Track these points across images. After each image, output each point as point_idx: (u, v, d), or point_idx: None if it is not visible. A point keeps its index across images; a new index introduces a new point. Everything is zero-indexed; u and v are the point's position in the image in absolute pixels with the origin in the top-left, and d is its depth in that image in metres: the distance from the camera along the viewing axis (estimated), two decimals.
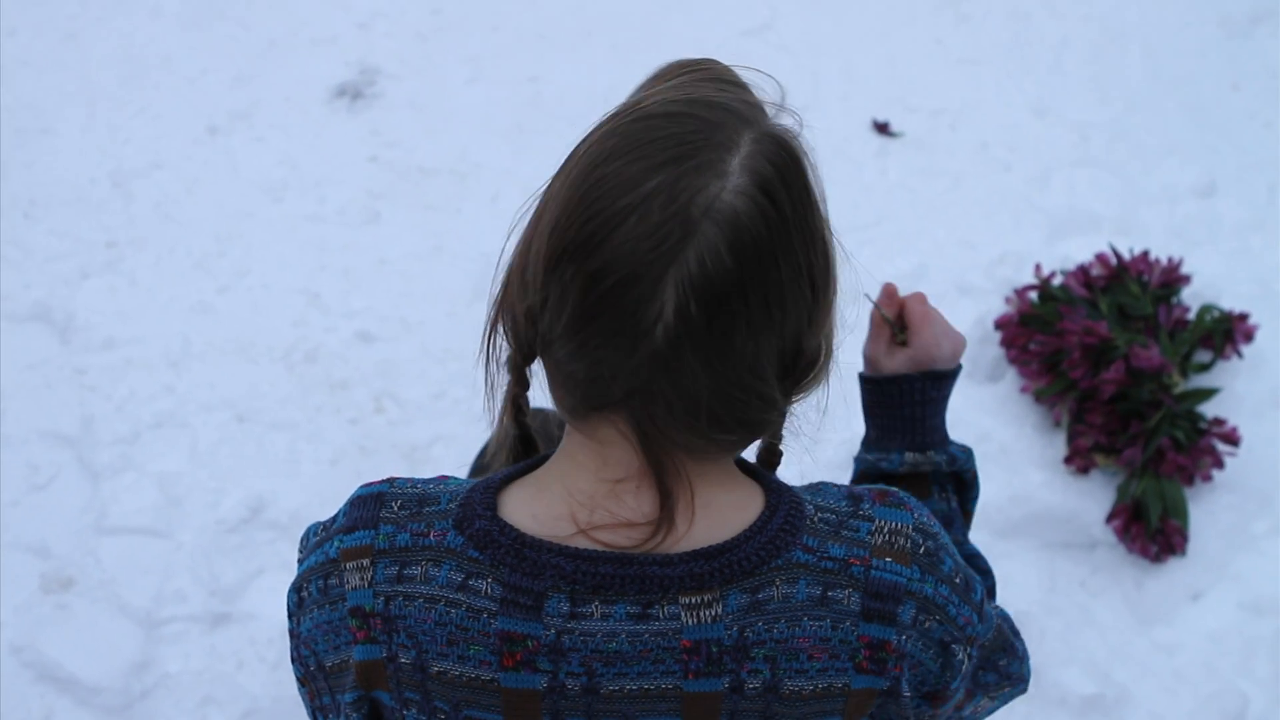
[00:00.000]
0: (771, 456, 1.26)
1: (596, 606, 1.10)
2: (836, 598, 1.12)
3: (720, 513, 1.13)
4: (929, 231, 3.33)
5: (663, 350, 1.02)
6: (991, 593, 1.42)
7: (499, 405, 1.25)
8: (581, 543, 1.10)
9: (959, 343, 1.52)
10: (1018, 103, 3.71)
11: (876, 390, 1.51)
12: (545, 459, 1.19)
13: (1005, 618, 1.35)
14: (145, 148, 3.51)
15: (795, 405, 1.17)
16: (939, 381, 1.50)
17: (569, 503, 1.12)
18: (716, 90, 1.11)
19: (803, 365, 1.12)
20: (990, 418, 2.89)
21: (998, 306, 3.08)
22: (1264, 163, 3.54)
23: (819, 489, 1.20)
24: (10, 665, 2.50)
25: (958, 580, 1.18)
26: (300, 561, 1.23)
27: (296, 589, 1.21)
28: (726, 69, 1.18)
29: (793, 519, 1.14)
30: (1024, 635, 2.52)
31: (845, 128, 3.62)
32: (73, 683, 2.48)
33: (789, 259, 1.05)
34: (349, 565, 1.15)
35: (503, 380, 1.21)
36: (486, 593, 1.11)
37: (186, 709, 2.48)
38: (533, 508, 1.13)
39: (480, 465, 1.99)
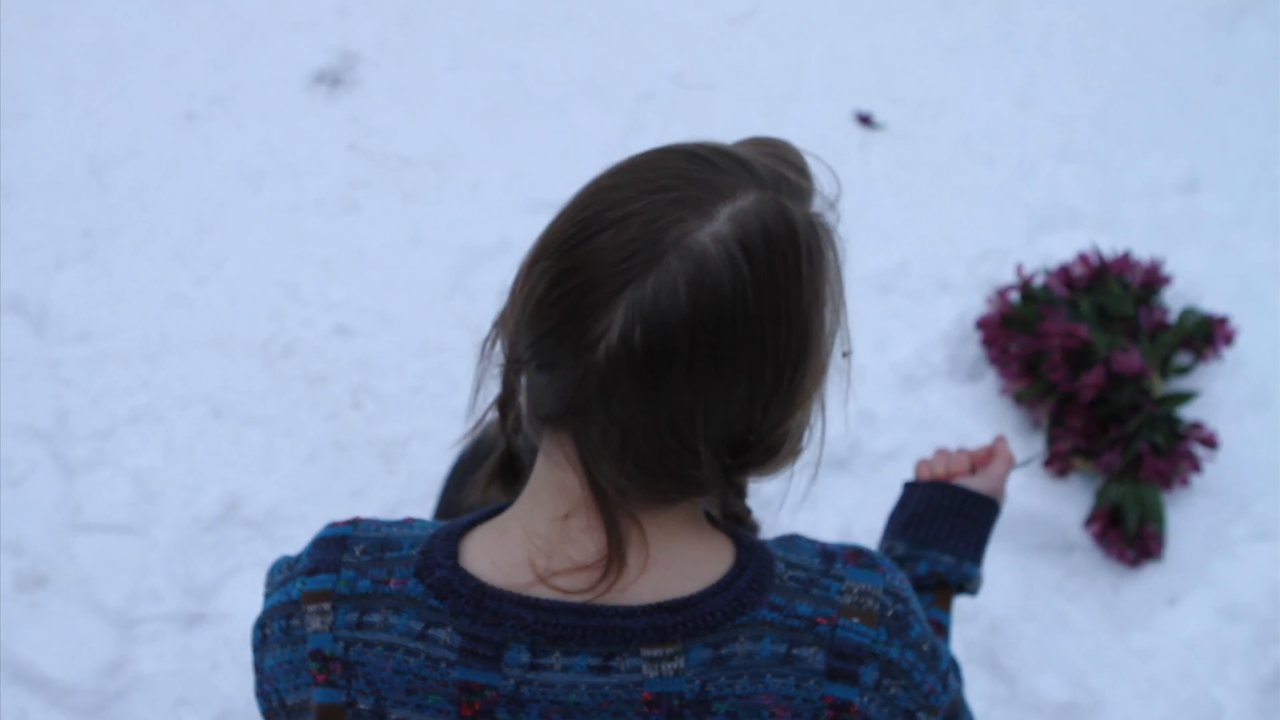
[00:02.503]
0: (741, 521, 1.25)
1: (557, 657, 1.10)
2: (801, 656, 1.12)
3: (686, 565, 1.13)
4: (911, 225, 3.32)
5: (602, 370, 1.03)
6: (956, 675, 1.43)
7: (482, 417, 1.26)
8: (542, 592, 1.10)
9: None
10: (1001, 93, 3.69)
11: (990, 510, 1.57)
12: (510, 505, 1.19)
13: (963, 696, 1.36)
14: (122, 133, 3.48)
15: (756, 481, 1.17)
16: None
17: (528, 547, 1.12)
18: (757, 154, 1.11)
19: (756, 448, 1.11)
20: (970, 418, 2.89)
21: (978, 304, 3.07)
22: (1246, 157, 3.53)
23: (792, 544, 1.19)
24: None
25: (925, 647, 1.18)
26: (266, 596, 1.23)
27: (260, 625, 1.22)
28: (793, 151, 1.17)
29: (761, 577, 1.13)
30: (1000, 640, 2.54)
31: (828, 119, 3.60)
32: (46, 683, 2.47)
33: (748, 326, 1.03)
34: (310, 608, 1.16)
35: (492, 391, 1.23)
36: (446, 642, 1.11)
37: (161, 710, 2.47)
38: (493, 554, 1.13)
39: (455, 477, 1.99)
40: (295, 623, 1.17)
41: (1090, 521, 2.67)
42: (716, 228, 1.03)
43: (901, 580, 1.19)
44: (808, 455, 1.17)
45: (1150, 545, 2.63)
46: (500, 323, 1.15)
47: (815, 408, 1.14)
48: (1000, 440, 1.65)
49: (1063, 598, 2.66)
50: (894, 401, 2.91)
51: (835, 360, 1.15)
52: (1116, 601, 2.65)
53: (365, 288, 3.14)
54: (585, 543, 1.11)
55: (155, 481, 2.76)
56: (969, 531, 1.54)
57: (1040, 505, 2.74)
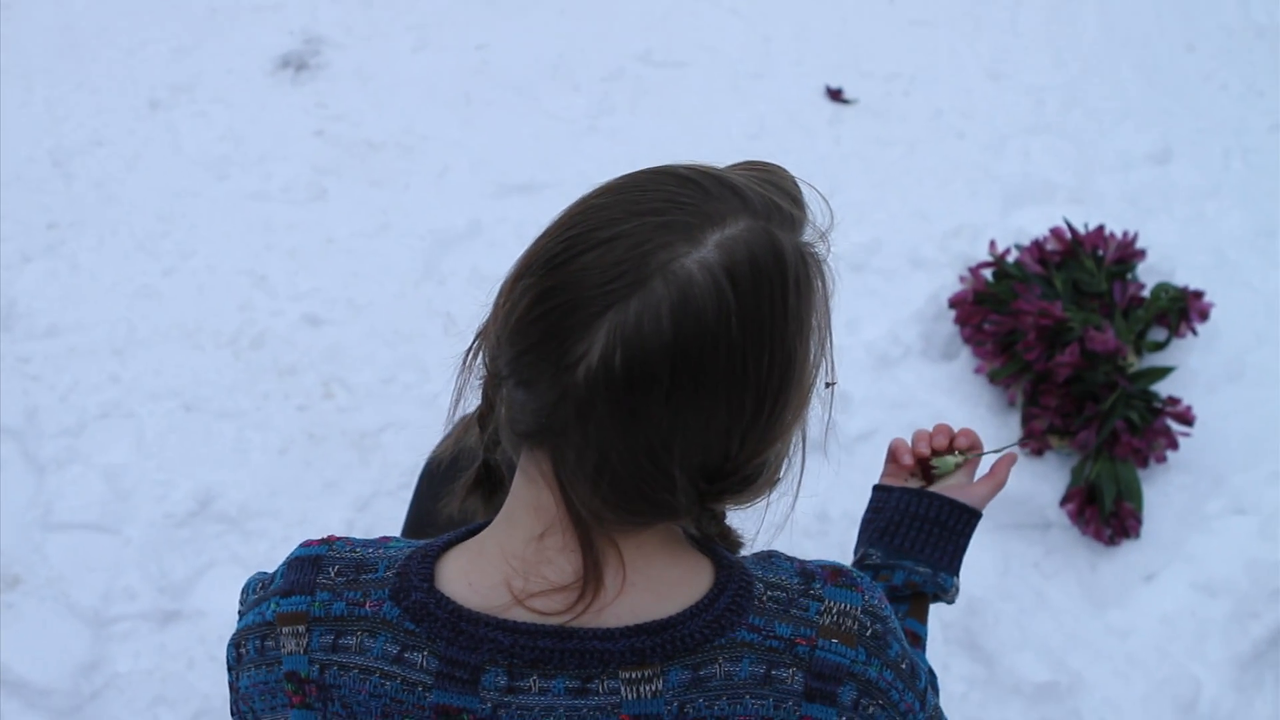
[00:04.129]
0: (725, 540, 1.24)
1: (535, 680, 1.09)
2: (780, 677, 1.11)
3: (664, 586, 1.12)
4: (883, 202, 3.31)
5: (581, 392, 1.01)
6: (932, 686, 1.42)
7: (462, 430, 1.24)
8: (519, 614, 1.09)
9: None
10: (972, 67, 3.68)
11: (966, 515, 1.53)
12: (488, 524, 1.17)
13: (939, 708, 1.35)
14: (85, 124, 3.44)
15: (732, 509, 1.16)
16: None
17: (504, 568, 1.11)
18: (748, 180, 1.08)
19: (733, 476, 1.09)
20: (944, 397, 2.88)
21: (951, 280, 3.06)
22: (1218, 126, 3.52)
23: (771, 562, 1.18)
24: None
25: (903, 665, 1.17)
26: (240, 615, 1.22)
27: (235, 644, 1.20)
28: (789, 178, 1.14)
29: (740, 598, 1.12)
30: (978, 620, 2.53)
31: (799, 95, 3.58)
32: (22, 685, 2.46)
33: (731, 354, 1.02)
34: (285, 630, 1.15)
35: (471, 401, 1.20)
36: (422, 665, 1.10)
37: (137, 709, 2.45)
38: (470, 575, 1.12)
39: (430, 485, 1.97)
40: (270, 644, 1.16)
41: (1066, 500, 2.67)
42: (704, 254, 1.01)
43: (880, 599, 1.18)
44: (786, 483, 1.16)
45: (1127, 523, 2.63)
46: (483, 333, 1.13)
47: (795, 438, 1.13)
48: (995, 474, 1.61)
49: (1040, 576, 2.66)
50: (868, 382, 2.90)
51: (818, 390, 1.13)
52: (1094, 579, 2.65)
53: (334, 276, 3.11)
54: (562, 564, 1.09)
55: (127, 478, 2.74)
56: (946, 541, 1.52)
57: (1016, 484, 2.72)
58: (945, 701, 2.46)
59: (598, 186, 1.10)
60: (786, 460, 1.14)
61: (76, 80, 3.56)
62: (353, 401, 2.88)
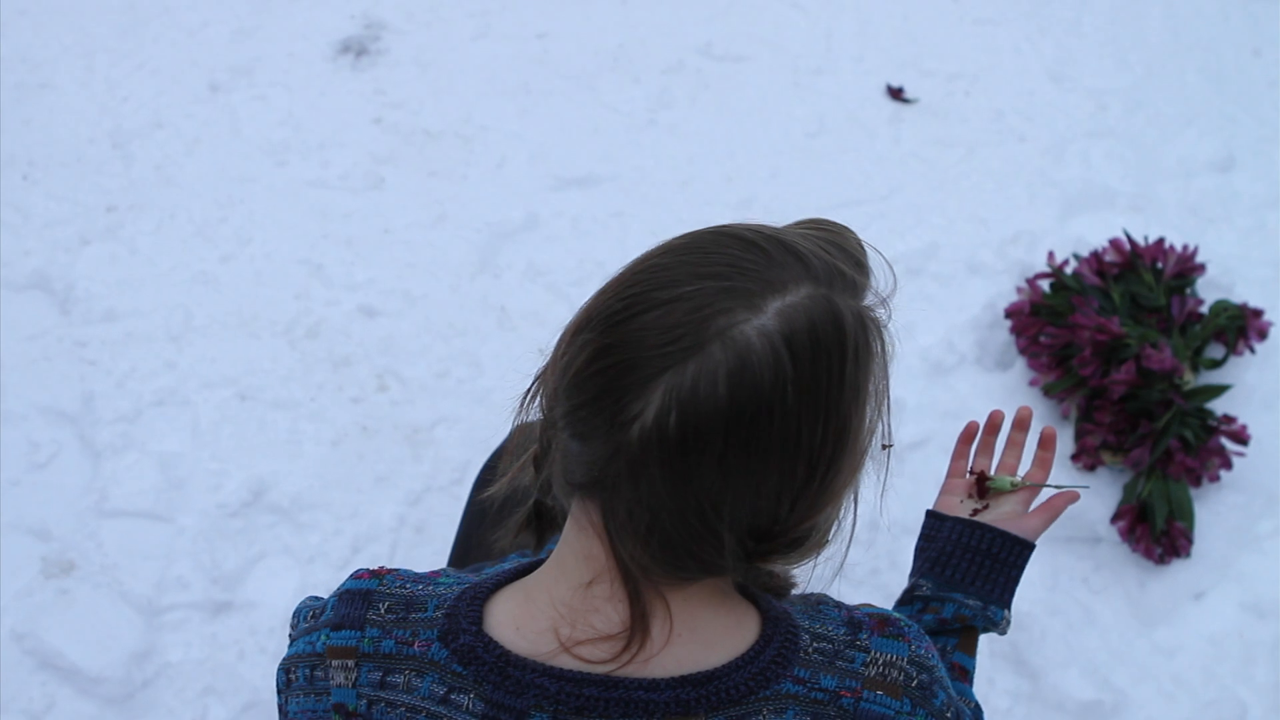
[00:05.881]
0: (775, 584, 1.24)
1: None
2: None
3: (710, 636, 1.13)
4: (941, 206, 3.29)
5: (634, 450, 1.02)
6: None
7: (516, 470, 1.27)
8: (565, 661, 1.11)
9: None
10: (1035, 68, 3.64)
11: (1019, 548, 1.53)
12: (539, 564, 1.19)
13: None
14: (145, 105, 3.46)
15: (779, 568, 1.16)
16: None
17: (552, 614, 1.12)
18: (813, 244, 1.09)
19: (781, 538, 1.10)
20: (998, 407, 2.85)
21: (1008, 288, 3.05)
22: None
23: (819, 611, 1.19)
24: (11, 653, 2.50)
25: (949, 715, 1.19)
26: (291, 640, 1.24)
27: (285, 670, 1.22)
28: (853, 240, 1.15)
29: (786, 650, 1.14)
30: (1025, 636, 2.53)
31: (859, 93, 3.56)
32: (74, 672, 2.48)
33: (785, 421, 1.02)
34: (334, 663, 1.17)
35: (529, 441, 1.23)
36: (468, 708, 1.12)
37: (187, 699, 2.48)
38: (518, 620, 1.14)
39: (484, 514, 1.97)
40: (319, 674, 1.18)
41: (1117, 517, 2.66)
42: (763, 322, 1.01)
43: (927, 648, 1.19)
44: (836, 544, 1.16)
45: (1178, 543, 2.62)
46: (541, 378, 1.14)
47: (847, 502, 1.13)
48: (1051, 504, 1.60)
49: (1089, 591, 2.65)
50: (921, 389, 2.90)
51: (874, 452, 1.13)
52: (1142, 596, 2.64)
53: (390, 267, 3.13)
54: (609, 612, 1.11)
55: (181, 467, 2.76)
56: (997, 574, 1.52)
57: None
58: (990, 716, 2.46)
59: (661, 244, 1.10)
60: (836, 523, 1.15)
61: (138, 60, 3.57)
62: (406, 395, 2.90)
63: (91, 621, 2.55)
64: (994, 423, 1.63)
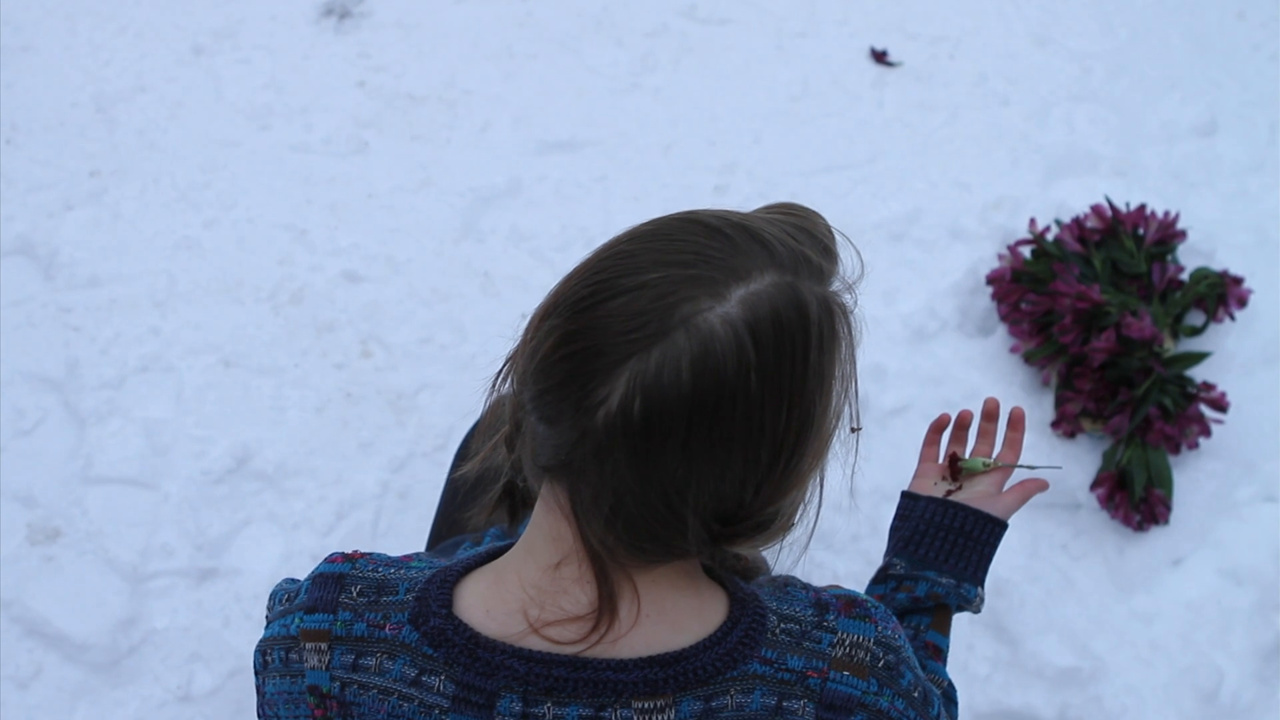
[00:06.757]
0: (744, 567, 1.26)
1: (549, 708, 1.13)
2: (791, 708, 1.15)
3: (678, 617, 1.15)
4: (924, 170, 3.29)
5: (599, 435, 1.04)
6: (950, 699, 1.44)
7: (487, 451, 1.28)
8: (534, 642, 1.13)
9: None
10: (1019, 30, 3.64)
11: (992, 526, 1.55)
12: (509, 548, 1.21)
13: None
14: (128, 69, 3.44)
15: (744, 552, 1.18)
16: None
17: (521, 597, 1.14)
18: (780, 231, 1.10)
19: (745, 522, 1.11)
20: (979, 374, 2.88)
21: (990, 253, 3.06)
22: (1266, 98, 3.48)
23: (786, 592, 1.21)
24: None
25: (915, 694, 1.20)
26: (267, 623, 1.27)
27: (262, 651, 1.25)
28: (821, 225, 1.16)
29: (753, 631, 1.15)
30: (1005, 602, 2.55)
31: (843, 55, 3.55)
32: (61, 638, 2.50)
33: (749, 408, 1.04)
34: (308, 645, 1.19)
35: (501, 421, 1.24)
36: (439, 689, 1.14)
37: (173, 666, 2.50)
38: (487, 602, 1.16)
39: (457, 494, 1.98)
40: (294, 656, 1.20)
41: (1097, 484, 2.68)
42: (727, 309, 1.03)
43: (894, 629, 1.21)
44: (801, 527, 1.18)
45: (1157, 510, 2.64)
46: (512, 360, 1.15)
47: (812, 485, 1.14)
48: (1024, 486, 1.62)
49: (1068, 558, 2.67)
50: (902, 355, 2.91)
51: (842, 435, 1.14)
52: (1121, 563, 2.66)
53: (374, 232, 3.13)
54: (577, 594, 1.13)
55: (166, 433, 2.77)
56: (971, 552, 1.54)
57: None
58: (968, 682, 2.49)
59: (627, 230, 1.12)
60: (801, 506, 1.16)
61: (120, 23, 3.55)
62: (390, 361, 2.90)
63: (77, 588, 2.57)
64: (963, 421, 1.65)
